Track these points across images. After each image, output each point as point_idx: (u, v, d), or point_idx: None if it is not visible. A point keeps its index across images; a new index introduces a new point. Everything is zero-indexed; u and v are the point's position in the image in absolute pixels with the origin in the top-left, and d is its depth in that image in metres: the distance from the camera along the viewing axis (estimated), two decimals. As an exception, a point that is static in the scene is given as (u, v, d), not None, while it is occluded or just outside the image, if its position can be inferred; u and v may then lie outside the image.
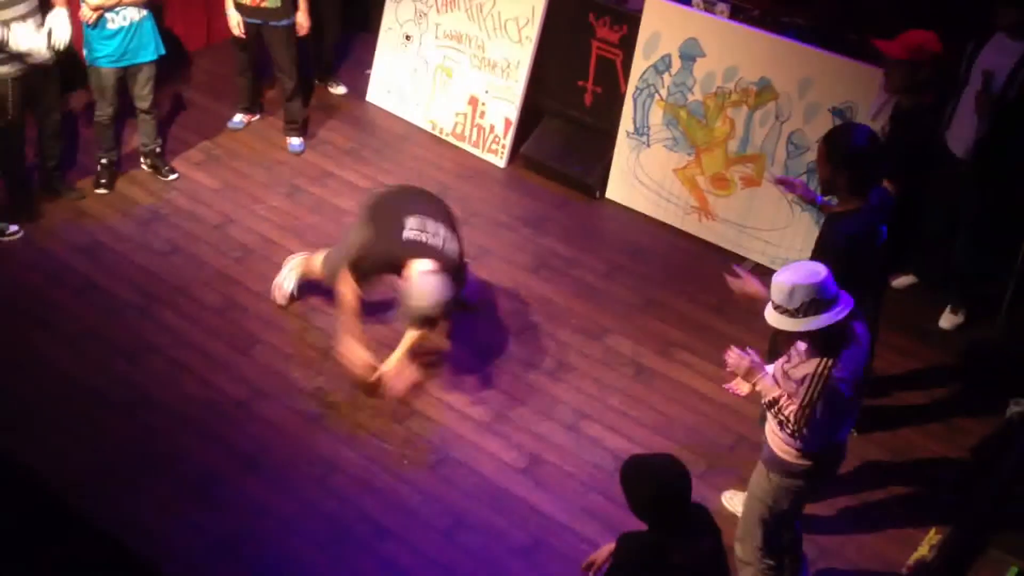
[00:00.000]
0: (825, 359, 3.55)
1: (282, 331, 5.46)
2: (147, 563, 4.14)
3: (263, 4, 6.44)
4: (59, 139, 6.16)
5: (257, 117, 7.15)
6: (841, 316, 3.49)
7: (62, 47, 5.76)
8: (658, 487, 3.31)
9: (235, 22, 6.52)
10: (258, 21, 6.54)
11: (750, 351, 3.78)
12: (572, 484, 4.77)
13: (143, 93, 6.22)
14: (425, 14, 7.19)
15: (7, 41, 5.48)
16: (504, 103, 6.94)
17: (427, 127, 7.26)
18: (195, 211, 6.24)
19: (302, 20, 6.62)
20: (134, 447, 4.75)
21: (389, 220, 4.80)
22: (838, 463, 3.95)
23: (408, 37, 7.31)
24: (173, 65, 7.60)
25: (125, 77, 6.14)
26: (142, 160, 6.52)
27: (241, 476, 4.66)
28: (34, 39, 5.61)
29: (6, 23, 5.49)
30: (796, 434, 3.66)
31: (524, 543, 4.50)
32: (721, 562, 3.50)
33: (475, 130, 7.08)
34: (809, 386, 3.57)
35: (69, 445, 4.71)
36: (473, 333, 5.57)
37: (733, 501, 4.66)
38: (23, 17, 5.55)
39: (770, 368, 3.82)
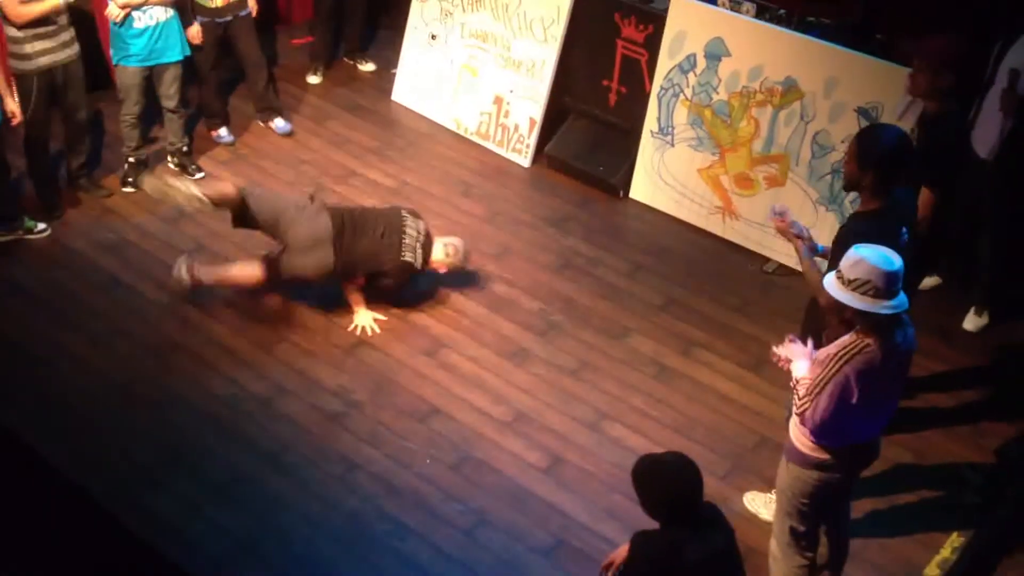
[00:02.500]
0: (849, 347, 3.54)
1: (306, 329, 5.49)
2: (171, 560, 4.17)
3: (229, 0, 6.48)
4: (86, 137, 6.22)
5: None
6: (883, 311, 3.47)
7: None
8: (670, 486, 3.33)
9: (195, 32, 6.41)
10: (227, 19, 6.54)
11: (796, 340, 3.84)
12: (594, 484, 4.77)
13: (170, 92, 6.28)
14: (451, 13, 7.21)
15: None
16: (529, 102, 6.95)
17: (452, 126, 7.27)
18: (221, 210, 6.27)
19: (253, 3, 6.64)
20: (159, 444, 4.79)
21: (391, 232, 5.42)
22: (863, 462, 3.91)
23: (434, 36, 7.33)
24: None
25: (151, 76, 6.20)
26: (169, 159, 6.58)
27: (264, 474, 4.69)
28: None
29: None
30: (801, 414, 3.67)
31: (545, 543, 4.50)
32: (735, 560, 3.49)
33: (499, 129, 7.09)
34: (825, 366, 3.56)
35: (94, 441, 4.75)
36: (496, 332, 5.57)
37: (755, 502, 4.64)
38: None
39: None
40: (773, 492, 4.44)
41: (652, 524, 3.39)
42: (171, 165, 6.57)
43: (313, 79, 7.67)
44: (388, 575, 4.33)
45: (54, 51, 5.74)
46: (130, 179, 6.37)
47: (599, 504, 4.68)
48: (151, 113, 6.49)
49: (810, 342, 3.84)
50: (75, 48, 5.86)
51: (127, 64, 6.08)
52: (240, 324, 5.48)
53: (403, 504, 4.61)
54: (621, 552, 3.62)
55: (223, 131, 6.94)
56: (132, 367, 5.17)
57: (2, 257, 5.75)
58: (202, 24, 6.46)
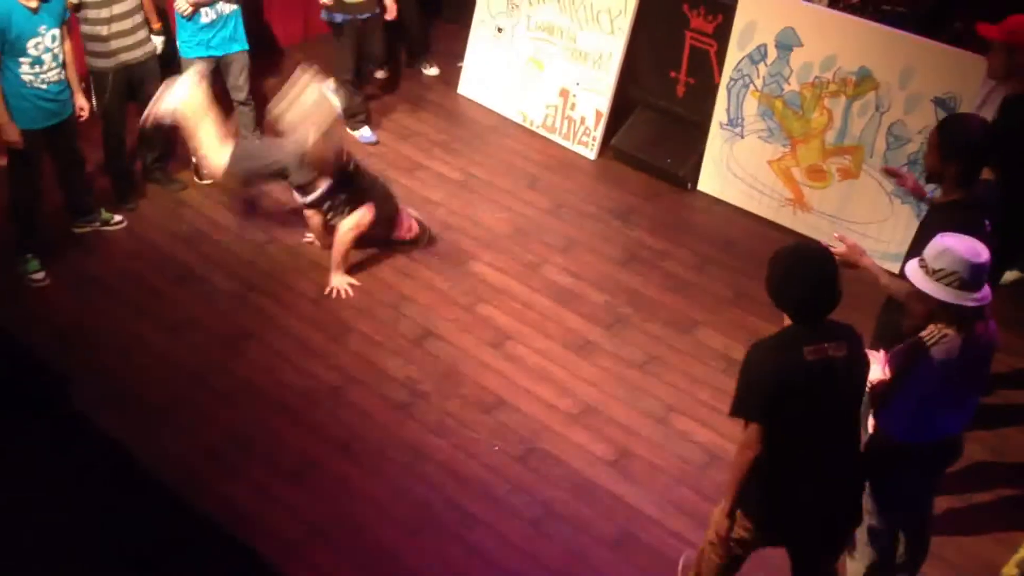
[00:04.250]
0: (930, 337, 3.46)
1: (374, 320, 5.53)
2: (243, 545, 4.24)
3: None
4: (160, 130, 6.34)
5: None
6: (965, 302, 3.39)
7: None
8: (806, 275, 3.31)
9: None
10: (363, 16, 6.64)
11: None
12: (661, 478, 4.74)
13: (238, 83, 6.37)
14: (517, 6, 7.21)
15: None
16: (595, 95, 6.92)
17: (517, 119, 7.27)
18: (291, 201, 6.36)
19: (389, 3, 6.75)
20: (232, 432, 4.86)
21: None
22: (945, 460, 3.82)
23: (500, 29, 7.33)
24: (270, 59, 7.77)
25: (219, 69, 6.30)
26: None
27: (334, 462, 4.74)
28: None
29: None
30: (879, 410, 3.59)
31: (612, 535, 4.49)
32: (855, 373, 3.42)
33: (566, 122, 7.07)
34: (904, 357, 3.49)
35: (169, 429, 4.84)
36: (562, 324, 5.56)
37: None
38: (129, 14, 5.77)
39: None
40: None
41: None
42: None
43: (380, 74, 7.74)
44: (454, 563, 4.35)
45: (131, 48, 5.85)
46: (204, 171, 6.48)
47: (666, 498, 4.64)
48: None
49: (881, 353, 3.75)
50: (151, 45, 5.98)
51: (194, 56, 6.19)
52: (311, 314, 5.55)
53: (469, 494, 4.63)
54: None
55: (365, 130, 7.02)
56: (205, 356, 5.26)
57: (79, 248, 5.89)
58: (345, 23, 6.59)
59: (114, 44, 5.78)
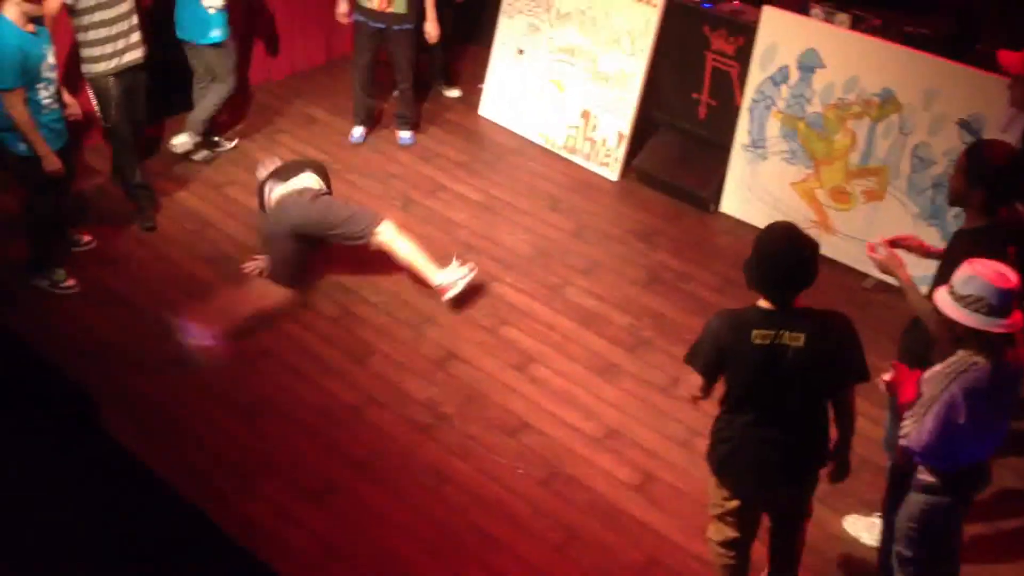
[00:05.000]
0: (959, 363, 3.43)
1: (395, 340, 5.52)
2: (262, 564, 4.21)
3: (389, 9, 6.62)
4: (142, 139, 6.43)
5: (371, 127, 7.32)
6: (993, 328, 3.36)
7: None
8: (767, 249, 3.51)
9: (343, 11, 6.82)
10: (383, 25, 6.70)
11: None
12: (686, 502, 4.69)
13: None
14: (538, 28, 7.22)
15: None
16: (617, 116, 6.91)
17: (539, 140, 7.28)
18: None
19: (430, 29, 6.83)
20: (253, 451, 4.85)
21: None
22: (974, 487, 3.77)
23: (521, 51, 7.35)
24: (295, 81, 7.83)
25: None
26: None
27: (354, 482, 4.72)
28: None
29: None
30: (905, 434, 3.56)
31: (637, 561, 4.44)
32: (811, 363, 3.52)
33: (587, 143, 7.07)
34: (933, 384, 3.45)
35: (190, 445, 4.84)
36: (585, 347, 5.54)
37: (856, 526, 4.52)
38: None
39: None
40: (875, 516, 4.32)
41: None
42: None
43: (451, 92, 7.82)
44: (477, 588, 4.32)
45: (131, 49, 5.90)
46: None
47: (691, 523, 4.59)
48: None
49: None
50: (144, 49, 5.99)
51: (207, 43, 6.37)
52: (332, 334, 5.54)
53: (492, 517, 4.59)
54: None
55: (357, 131, 7.19)
56: (228, 375, 5.26)
57: (107, 267, 5.90)
58: (357, 24, 6.75)
59: (119, 44, 5.83)
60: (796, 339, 3.52)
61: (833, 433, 3.79)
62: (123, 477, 4.28)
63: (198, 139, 6.75)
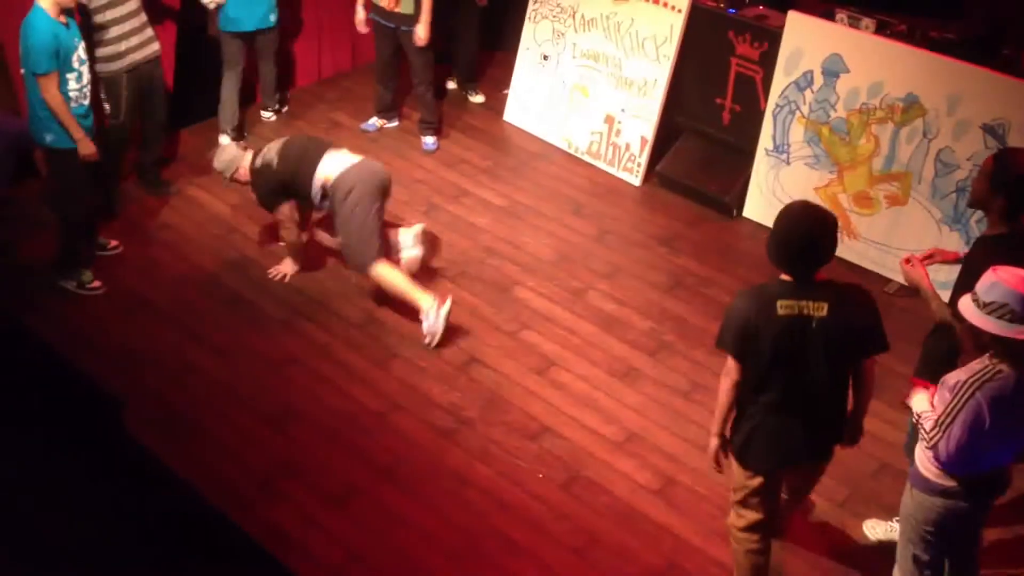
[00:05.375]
0: (983, 371, 3.42)
1: (419, 346, 5.56)
2: (285, 567, 4.27)
3: (396, 9, 6.70)
4: (162, 135, 6.55)
5: (395, 124, 7.44)
6: (1017, 335, 3.36)
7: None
8: (788, 226, 3.62)
9: (360, 18, 6.97)
10: (392, 25, 6.78)
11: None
12: (706, 507, 4.70)
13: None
14: (563, 34, 7.25)
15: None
16: (640, 121, 6.93)
17: (563, 145, 7.31)
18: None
19: (420, 32, 6.78)
20: (277, 456, 4.91)
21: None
22: (993, 492, 3.76)
23: (545, 57, 7.38)
24: (320, 87, 7.91)
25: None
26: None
27: (377, 487, 4.76)
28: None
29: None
30: (931, 445, 3.56)
31: (657, 565, 4.46)
32: (835, 333, 3.64)
33: (611, 148, 7.09)
34: (956, 394, 3.45)
35: (215, 451, 4.90)
36: (607, 351, 5.56)
37: (876, 530, 4.51)
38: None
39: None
40: (894, 520, 4.32)
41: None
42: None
43: (476, 98, 7.90)
44: (498, 592, 4.35)
45: (140, 48, 6.01)
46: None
47: (711, 527, 4.61)
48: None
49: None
50: (157, 45, 6.11)
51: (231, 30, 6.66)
52: (356, 340, 5.59)
53: (513, 521, 4.63)
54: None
55: (372, 120, 7.34)
56: (252, 380, 5.32)
57: (134, 273, 5.99)
58: (373, 21, 6.89)
59: (133, 41, 5.94)
60: (819, 309, 3.66)
61: (850, 404, 3.92)
62: (147, 480, 4.35)
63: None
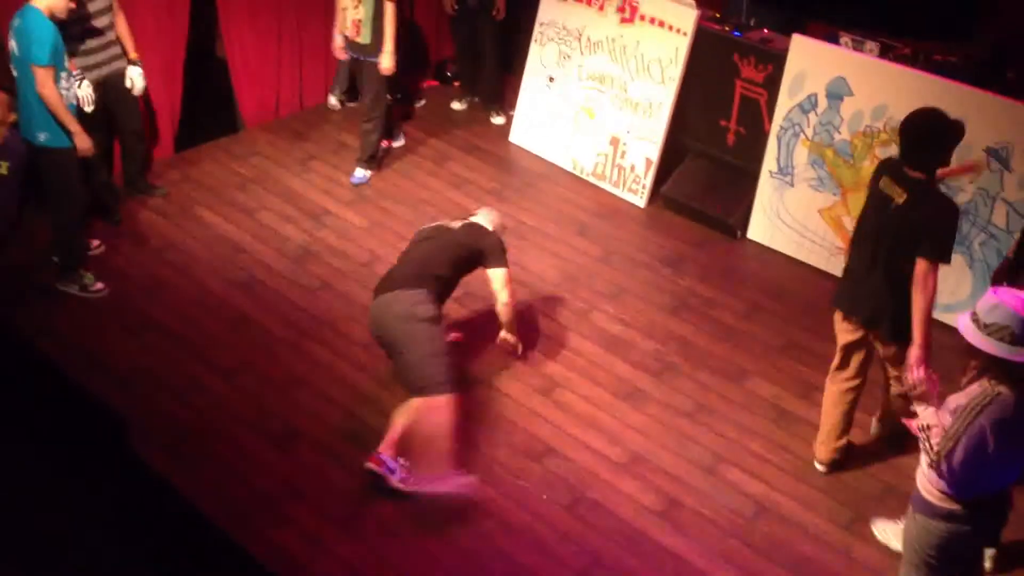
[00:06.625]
0: (983, 395, 3.43)
1: (424, 367, 5.57)
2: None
3: (356, 39, 6.73)
4: (142, 144, 6.64)
5: (400, 143, 7.50)
6: (1017, 358, 3.37)
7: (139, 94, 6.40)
8: (904, 122, 4.32)
9: (339, 45, 6.91)
10: (355, 55, 6.82)
11: (934, 376, 3.76)
12: (710, 529, 4.71)
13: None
14: (569, 56, 7.30)
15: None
16: (645, 143, 6.97)
17: (568, 167, 7.35)
18: (345, 249, 6.48)
19: (385, 61, 6.72)
20: (283, 476, 4.92)
21: None
22: (997, 517, 3.76)
23: (552, 79, 7.43)
24: (326, 108, 7.95)
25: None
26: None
27: (383, 508, 4.77)
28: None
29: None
30: (935, 466, 3.56)
31: (660, 587, 4.46)
32: (909, 224, 4.25)
33: (616, 170, 7.13)
34: (959, 417, 3.46)
35: (221, 472, 4.92)
36: (611, 372, 5.57)
37: (886, 532, 4.51)
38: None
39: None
40: (903, 520, 4.31)
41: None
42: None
43: (457, 105, 7.98)
44: (502, 613, 4.35)
45: (109, 62, 6.14)
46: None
47: (715, 549, 4.61)
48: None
49: (935, 379, 3.73)
50: (123, 62, 6.21)
51: None
52: (362, 360, 5.62)
53: (518, 543, 4.63)
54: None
55: (357, 172, 7.14)
56: (259, 401, 5.34)
57: (141, 293, 6.02)
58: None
59: (109, 53, 6.09)
60: (900, 195, 4.23)
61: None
62: (151, 500, 4.36)
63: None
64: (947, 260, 4.26)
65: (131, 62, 6.25)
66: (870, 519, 4.66)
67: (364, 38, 6.68)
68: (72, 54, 5.85)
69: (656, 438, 5.17)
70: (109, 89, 6.17)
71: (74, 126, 5.51)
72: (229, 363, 5.57)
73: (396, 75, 6.90)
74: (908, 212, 4.24)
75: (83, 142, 5.56)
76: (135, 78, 6.27)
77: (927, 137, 4.23)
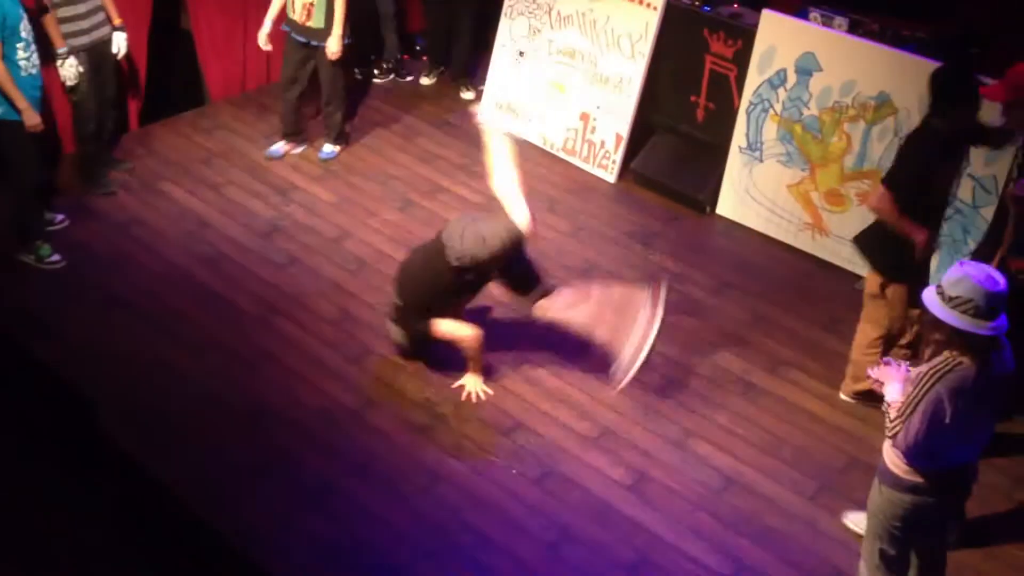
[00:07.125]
0: (943, 363, 3.47)
1: (392, 342, 5.56)
2: (262, 568, 4.27)
3: (308, 23, 6.60)
4: (114, 112, 6.57)
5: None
6: (982, 331, 3.39)
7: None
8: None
9: (263, 35, 6.72)
10: (304, 39, 6.69)
11: (903, 364, 3.79)
12: (678, 502, 4.74)
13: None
14: (539, 30, 7.26)
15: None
16: (615, 118, 6.95)
17: (538, 142, 7.32)
18: (313, 224, 6.43)
19: (332, 45, 6.57)
20: (251, 453, 4.90)
21: None
22: (960, 490, 3.81)
23: (521, 53, 7.39)
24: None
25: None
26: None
27: (352, 484, 4.76)
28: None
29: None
30: (891, 434, 3.59)
31: (629, 560, 4.49)
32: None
33: (586, 145, 7.11)
34: (917, 385, 3.50)
35: (188, 449, 4.88)
36: (581, 348, 5.57)
37: (860, 524, 4.55)
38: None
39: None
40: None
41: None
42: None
43: (426, 80, 7.94)
44: (470, 587, 4.36)
45: (100, 26, 6.12)
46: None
47: (684, 522, 4.64)
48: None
49: (903, 364, 3.77)
50: (108, 28, 6.18)
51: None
52: (330, 336, 5.59)
53: (486, 516, 4.64)
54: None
55: (325, 147, 7.06)
56: (226, 377, 5.30)
57: (107, 271, 5.94)
58: (286, 33, 6.71)
59: (95, 20, 6.04)
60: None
61: None
62: (122, 481, 4.33)
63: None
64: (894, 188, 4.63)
65: (116, 28, 6.23)
66: (840, 513, 4.66)
67: (317, 22, 6.55)
68: (64, 20, 5.86)
69: (625, 413, 5.19)
70: (95, 56, 6.12)
71: (21, 102, 5.45)
72: (195, 339, 5.52)
73: (343, 60, 6.77)
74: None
75: (31, 119, 5.51)
76: (121, 44, 6.25)
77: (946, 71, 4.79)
